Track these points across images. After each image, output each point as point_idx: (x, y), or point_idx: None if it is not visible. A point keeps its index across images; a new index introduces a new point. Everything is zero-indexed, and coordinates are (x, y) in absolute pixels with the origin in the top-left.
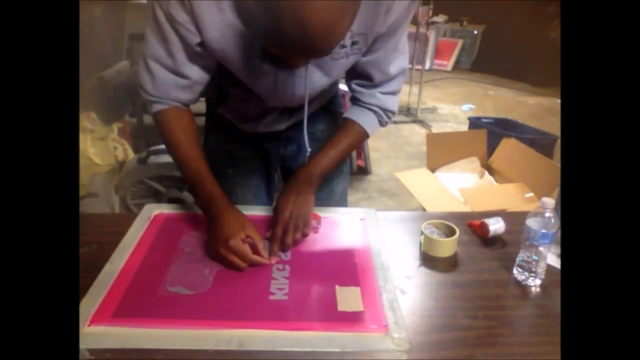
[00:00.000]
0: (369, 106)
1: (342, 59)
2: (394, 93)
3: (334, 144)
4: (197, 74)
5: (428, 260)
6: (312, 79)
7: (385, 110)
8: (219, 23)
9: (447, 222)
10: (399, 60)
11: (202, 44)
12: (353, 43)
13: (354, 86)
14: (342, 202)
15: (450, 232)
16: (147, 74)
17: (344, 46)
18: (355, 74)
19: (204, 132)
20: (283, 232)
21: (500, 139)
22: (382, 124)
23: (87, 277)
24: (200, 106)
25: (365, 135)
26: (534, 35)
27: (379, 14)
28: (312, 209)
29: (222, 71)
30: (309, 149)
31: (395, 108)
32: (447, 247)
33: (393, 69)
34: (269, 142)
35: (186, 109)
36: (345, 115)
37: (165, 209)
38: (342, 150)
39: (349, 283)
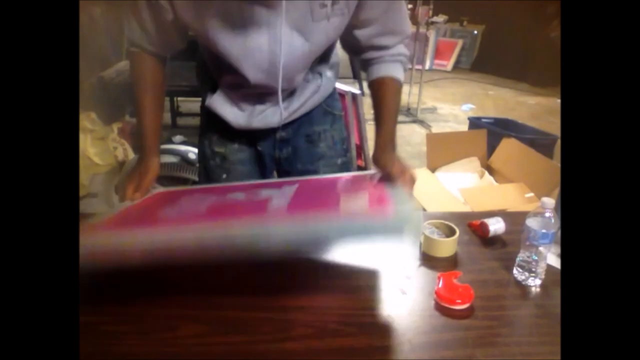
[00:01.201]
0: (391, 58)
1: (323, 21)
2: (403, 42)
3: (386, 109)
4: (161, 31)
5: (428, 260)
6: (292, 43)
7: (404, 56)
8: None
9: (447, 222)
10: (404, 17)
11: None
12: (334, 2)
13: (370, 52)
14: None
15: (450, 232)
16: (126, 24)
17: (324, 5)
18: (368, 45)
19: (198, 137)
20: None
21: (500, 139)
22: (405, 68)
23: (87, 277)
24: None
25: (401, 85)
26: (534, 35)
27: None
28: None
29: (210, 59)
30: (283, 112)
31: (406, 50)
32: (447, 247)
33: (405, 25)
34: (264, 142)
35: (157, 59)
36: (374, 76)
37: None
38: (395, 110)
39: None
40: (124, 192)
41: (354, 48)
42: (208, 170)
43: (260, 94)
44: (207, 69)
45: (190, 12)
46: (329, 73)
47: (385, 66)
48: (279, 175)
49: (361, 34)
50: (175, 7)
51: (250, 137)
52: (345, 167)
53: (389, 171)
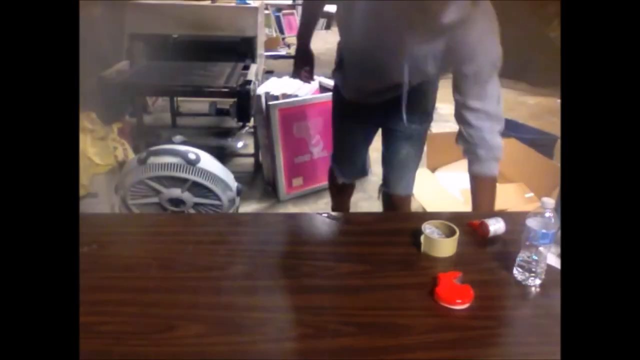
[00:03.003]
0: (487, 156)
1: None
2: (499, 131)
3: (480, 205)
4: None
5: (428, 260)
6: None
7: (499, 150)
8: None
9: (447, 222)
10: (500, 100)
11: None
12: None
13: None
14: (409, 165)
15: (450, 232)
16: None
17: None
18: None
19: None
20: None
21: None
22: (498, 160)
23: (87, 277)
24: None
25: (495, 180)
26: (534, 35)
27: None
28: None
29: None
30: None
31: (501, 143)
32: (447, 247)
33: (500, 111)
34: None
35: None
36: (474, 171)
37: None
38: (489, 205)
39: None
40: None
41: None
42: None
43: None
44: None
45: None
46: None
47: (483, 165)
48: (383, 132)
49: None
50: None
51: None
52: (416, 132)
53: None
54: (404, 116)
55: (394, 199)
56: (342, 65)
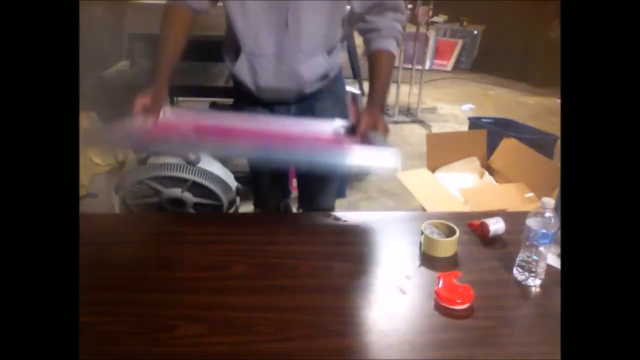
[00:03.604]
0: (387, 34)
1: None
2: (398, 20)
3: (378, 76)
4: None
5: (428, 260)
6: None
7: (399, 31)
8: None
9: (447, 222)
10: None
11: None
12: None
13: (367, 20)
14: (340, 182)
15: (450, 232)
16: None
17: None
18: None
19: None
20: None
21: (500, 139)
22: (399, 44)
23: (87, 277)
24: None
25: (394, 58)
26: (534, 35)
27: None
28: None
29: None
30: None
31: (401, 28)
32: (447, 247)
33: (400, 4)
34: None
35: (190, 13)
36: (371, 48)
37: None
38: (387, 77)
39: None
40: (135, 107)
41: (354, 22)
42: None
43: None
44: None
45: None
46: (339, 48)
47: (380, 41)
48: None
49: (357, 5)
50: None
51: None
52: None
53: (367, 119)
54: None
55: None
56: None
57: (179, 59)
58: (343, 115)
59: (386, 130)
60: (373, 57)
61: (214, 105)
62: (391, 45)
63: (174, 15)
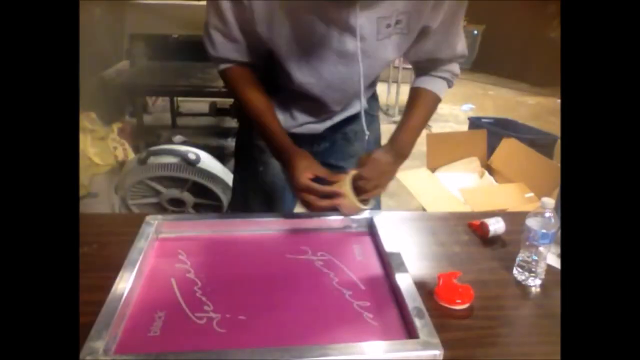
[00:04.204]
0: (437, 74)
1: (385, 40)
2: (458, 62)
3: (413, 116)
4: (247, 38)
5: (428, 260)
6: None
7: (453, 75)
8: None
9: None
10: (461, 37)
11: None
12: (397, 22)
13: (421, 66)
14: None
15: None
16: (207, 39)
17: (389, 25)
18: (422, 60)
19: (238, 126)
20: (366, 179)
21: (500, 139)
22: (450, 86)
23: (87, 277)
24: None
25: (438, 101)
26: (534, 35)
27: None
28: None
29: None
30: (367, 132)
31: (458, 70)
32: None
33: (460, 47)
34: (302, 140)
35: (248, 68)
36: (416, 85)
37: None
38: (422, 120)
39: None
40: (315, 200)
41: (412, 62)
42: (244, 162)
43: (314, 108)
44: (264, 68)
45: (264, 20)
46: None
47: (430, 80)
48: None
49: (420, 50)
50: (253, 15)
51: (291, 134)
52: None
53: (371, 175)
54: None
55: None
56: None
57: (275, 115)
58: (377, 134)
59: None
60: (414, 94)
61: (213, 106)
62: (440, 87)
63: (235, 75)
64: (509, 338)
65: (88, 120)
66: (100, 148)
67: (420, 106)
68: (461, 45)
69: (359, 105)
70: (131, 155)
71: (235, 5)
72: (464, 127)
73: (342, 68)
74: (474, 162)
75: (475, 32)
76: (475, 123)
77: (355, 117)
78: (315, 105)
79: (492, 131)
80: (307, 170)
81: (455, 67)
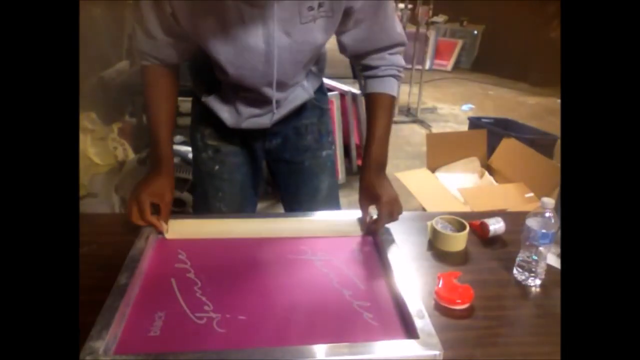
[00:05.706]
0: (385, 73)
1: (310, 23)
2: (399, 52)
3: (377, 126)
4: (170, 36)
5: (428, 260)
6: (281, 45)
7: (398, 68)
8: None
9: (457, 218)
10: (396, 22)
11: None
12: (320, 5)
13: (364, 61)
14: (331, 201)
15: (460, 227)
16: (133, 33)
17: (311, 8)
18: (362, 52)
19: (190, 129)
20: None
21: (500, 139)
22: (398, 80)
23: (87, 277)
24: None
25: (393, 99)
26: (534, 35)
27: None
28: None
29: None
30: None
31: (403, 62)
32: (459, 241)
33: (396, 33)
34: (254, 135)
35: (167, 69)
36: (368, 91)
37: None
38: (386, 127)
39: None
40: (137, 216)
41: (351, 55)
42: (200, 162)
43: (256, 99)
44: (205, 66)
45: (186, 14)
46: (314, 68)
47: (378, 83)
48: (269, 165)
49: (350, 38)
50: (174, 9)
51: (241, 130)
52: (329, 159)
53: (377, 198)
54: None
55: None
56: None
57: (174, 122)
58: (328, 127)
59: (399, 211)
60: (370, 102)
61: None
62: (391, 86)
63: (159, 80)
64: (509, 338)
65: (88, 120)
66: (100, 148)
67: (380, 114)
68: (397, 31)
69: (305, 96)
70: (131, 155)
71: (156, 4)
72: (464, 127)
73: (270, 55)
74: (474, 162)
75: (475, 32)
76: (475, 123)
77: (303, 110)
78: (255, 97)
79: (492, 131)
80: (156, 195)
81: (398, 59)
